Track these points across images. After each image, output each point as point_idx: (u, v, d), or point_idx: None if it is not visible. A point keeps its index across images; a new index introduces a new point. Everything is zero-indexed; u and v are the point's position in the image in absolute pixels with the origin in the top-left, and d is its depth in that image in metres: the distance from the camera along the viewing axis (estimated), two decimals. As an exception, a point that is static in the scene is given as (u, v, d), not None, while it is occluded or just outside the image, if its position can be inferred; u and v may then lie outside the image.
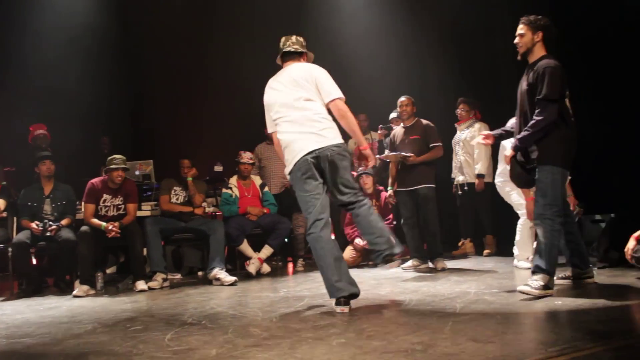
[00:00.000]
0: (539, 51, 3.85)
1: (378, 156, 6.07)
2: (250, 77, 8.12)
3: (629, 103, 6.06)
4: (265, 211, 6.31)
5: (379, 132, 6.98)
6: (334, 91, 3.87)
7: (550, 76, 3.68)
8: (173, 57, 8.02)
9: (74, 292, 5.22)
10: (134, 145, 7.35)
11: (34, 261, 5.94)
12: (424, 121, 5.72)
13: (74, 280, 5.72)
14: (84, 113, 7.73)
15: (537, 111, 3.72)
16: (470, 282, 4.47)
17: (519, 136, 3.83)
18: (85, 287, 5.27)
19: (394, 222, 6.28)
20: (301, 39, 4.12)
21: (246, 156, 6.49)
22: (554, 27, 3.87)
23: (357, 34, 8.03)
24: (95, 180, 5.76)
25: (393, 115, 6.70)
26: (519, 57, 3.93)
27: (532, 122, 3.72)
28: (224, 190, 6.37)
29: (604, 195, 6.38)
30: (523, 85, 3.90)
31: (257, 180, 6.59)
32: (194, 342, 2.95)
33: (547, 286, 3.62)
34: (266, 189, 6.59)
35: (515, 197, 5.33)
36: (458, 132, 6.66)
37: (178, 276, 6.32)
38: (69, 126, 7.44)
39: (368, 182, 6.40)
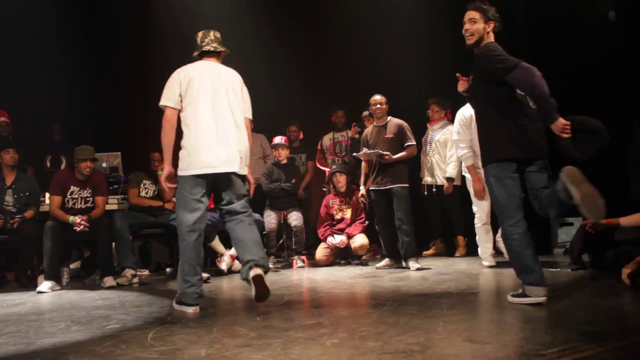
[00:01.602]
0: (486, 41, 3.51)
1: (355, 154, 6.04)
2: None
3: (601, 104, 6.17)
4: (238, 207, 6.19)
5: (352, 129, 6.95)
6: (249, 109, 4.04)
7: (491, 50, 3.41)
8: (143, 43, 7.83)
9: (39, 288, 5.00)
10: (101, 136, 7.07)
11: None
12: (398, 120, 5.70)
13: (37, 275, 5.50)
14: (41, 100, 7.42)
15: (520, 83, 3.28)
16: (449, 283, 4.47)
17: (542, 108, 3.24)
18: (50, 283, 5.06)
19: (367, 222, 6.25)
20: (219, 35, 4.02)
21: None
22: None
23: (336, 28, 7.98)
24: (62, 171, 5.55)
25: (366, 113, 6.67)
26: (467, 47, 3.55)
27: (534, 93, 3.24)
28: None
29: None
30: (471, 82, 3.61)
31: (228, 176, 6.46)
32: (180, 342, 2.83)
33: (525, 294, 3.39)
34: (238, 184, 6.47)
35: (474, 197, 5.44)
36: (430, 132, 6.61)
37: (146, 272, 6.14)
38: (25, 114, 7.14)
39: (341, 181, 6.36)
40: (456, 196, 6.46)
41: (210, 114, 3.71)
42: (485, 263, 5.35)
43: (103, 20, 8.00)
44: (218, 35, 3.99)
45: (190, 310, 3.60)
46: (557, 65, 6.07)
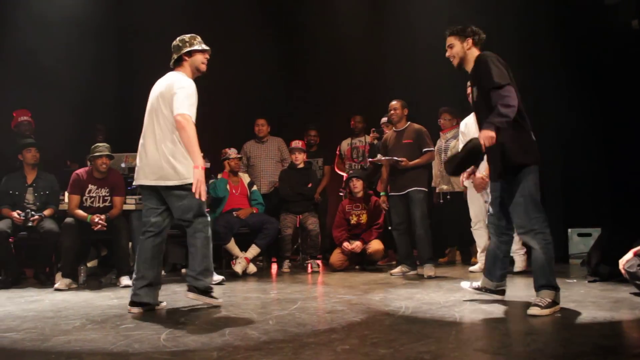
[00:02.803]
0: (472, 57, 3.70)
1: (370, 159, 6.04)
2: (238, 74, 8.05)
3: (621, 116, 6.12)
4: (254, 211, 6.22)
5: (371, 135, 6.95)
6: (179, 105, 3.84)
7: (487, 64, 3.49)
8: (167, 50, 7.89)
9: (56, 285, 5.07)
10: (123, 137, 7.16)
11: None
12: (417, 125, 5.68)
13: (54, 273, 5.57)
14: (73, 101, 7.53)
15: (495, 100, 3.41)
16: (463, 291, 4.40)
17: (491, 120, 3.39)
18: (67, 281, 5.12)
19: (382, 228, 6.24)
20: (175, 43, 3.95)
21: (233, 152, 6.41)
22: (481, 31, 3.74)
23: (353, 36, 7.97)
24: (80, 171, 5.61)
25: (385, 119, 6.66)
26: (456, 67, 3.81)
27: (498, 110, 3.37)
28: (210, 181, 6.29)
29: (591, 209, 6.44)
30: (474, 96, 3.73)
31: (245, 178, 6.51)
32: (192, 343, 2.85)
33: (555, 302, 3.43)
34: (254, 187, 6.51)
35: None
36: (443, 140, 6.58)
37: (162, 273, 6.18)
38: (56, 113, 7.23)
39: (358, 186, 6.35)
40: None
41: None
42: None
43: (131, 21, 8.06)
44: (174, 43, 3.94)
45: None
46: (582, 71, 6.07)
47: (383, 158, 5.61)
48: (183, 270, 6.36)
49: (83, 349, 2.82)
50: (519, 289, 4.52)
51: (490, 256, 3.91)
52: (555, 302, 3.43)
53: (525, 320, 3.29)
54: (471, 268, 5.74)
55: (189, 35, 3.92)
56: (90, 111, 7.73)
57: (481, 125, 3.56)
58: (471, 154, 3.48)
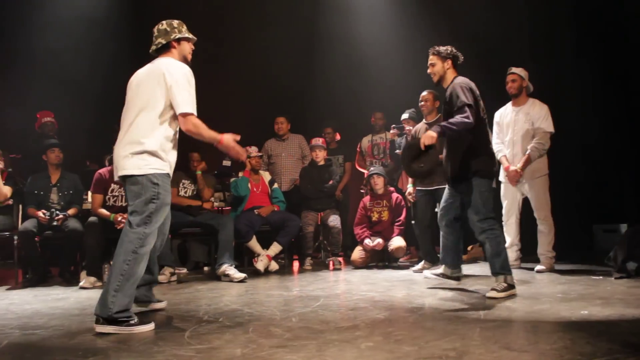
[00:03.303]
0: (450, 76, 4.19)
1: (398, 151, 6.00)
2: (259, 73, 8.08)
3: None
4: (275, 208, 6.24)
5: (392, 131, 6.91)
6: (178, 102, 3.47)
7: (457, 90, 3.99)
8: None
9: (81, 284, 5.13)
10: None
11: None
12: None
13: (79, 271, 5.64)
14: (92, 101, 7.62)
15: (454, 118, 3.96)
16: (486, 288, 4.39)
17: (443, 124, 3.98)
18: (92, 279, 5.18)
19: (403, 225, 6.21)
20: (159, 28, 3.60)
21: (254, 150, 6.42)
22: (460, 54, 4.23)
23: (373, 32, 7.94)
24: (102, 170, 5.67)
25: (405, 116, 6.61)
26: (435, 84, 4.31)
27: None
28: (232, 179, 6.31)
29: (616, 204, 6.35)
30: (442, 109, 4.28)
31: (266, 176, 6.52)
32: (216, 341, 2.87)
33: (510, 285, 3.99)
34: (275, 185, 6.53)
35: None
36: None
37: (184, 271, 6.24)
38: (77, 114, 7.33)
39: (379, 183, 6.32)
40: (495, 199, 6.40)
41: None
42: None
43: (150, 19, 8.11)
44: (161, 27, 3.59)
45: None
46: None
47: None
48: (205, 268, 6.41)
49: (109, 346, 2.85)
50: (543, 287, 4.48)
51: (443, 246, 4.52)
52: (511, 286, 3.99)
53: (550, 317, 3.26)
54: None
55: (177, 21, 3.61)
56: (109, 111, 7.78)
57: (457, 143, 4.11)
58: (409, 149, 4.18)
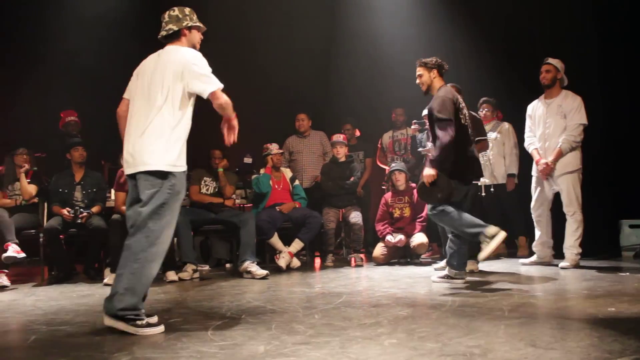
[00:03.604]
0: (437, 85, 4.49)
1: (420, 149, 5.96)
2: (279, 70, 8.07)
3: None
4: (297, 205, 6.24)
5: (413, 127, 6.85)
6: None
7: (439, 102, 4.31)
8: (205, 46, 7.97)
9: (105, 281, 5.18)
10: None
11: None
12: (470, 114, 5.54)
13: (103, 268, 5.70)
14: (115, 99, 7.69)
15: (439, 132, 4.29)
16: (510, 285, 4.37)
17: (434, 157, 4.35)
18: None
19: (425, 221, 6.16)
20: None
21: (275, 147, 6.43)
22: (445, 63, 4.55)
23: (393, 28, 7.90)
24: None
25: (426, 112, 6.54)
26: (424, 93, 4.63)
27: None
28: (253, 177, 6.32)
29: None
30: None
31: (287, 173, 6.52)
32: (239, 337, 2.87)
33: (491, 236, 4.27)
34: (297, 182, 6.53)
35: None
36: None
37: (206, 268, 6.28)
38: (98, 112, 7.41)
39: (401, 179, 6.28)
40: (516, 194, 6.34)
41: None
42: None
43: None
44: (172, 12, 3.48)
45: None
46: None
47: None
48: (227, 265, 6.44)
49: (133, 342, 2.87)
50: (568, 283, 4.42)
51: (448, 248, 4.59)
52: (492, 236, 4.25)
53: (577, 314, 3.21)
54: (522, 260, 5.62)
55: (188, 9, 3.50)
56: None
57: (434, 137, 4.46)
58: (422, 191, 4.40)
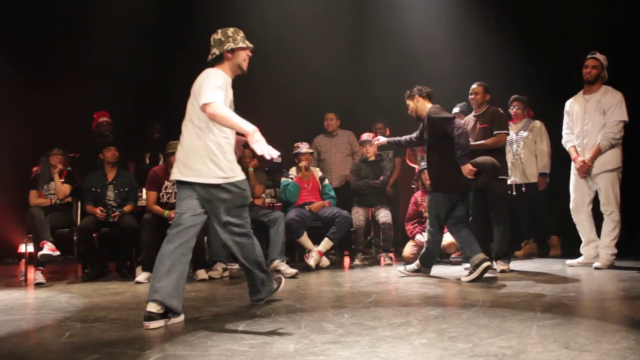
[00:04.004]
0: (423, 107, 5.03)
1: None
2: (308, 69, 8.08)
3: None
4: (326, 204, 6.24)
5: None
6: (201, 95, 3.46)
7: (433, 114, 4.92)
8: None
9: (137, 279, 5.26)
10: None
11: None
12: (493, 108, 5.39)
13: (134, 266, 5.78)
14: (142, 98, 7.83)
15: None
16: (542, 285, 4.30)
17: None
18: (147, 274, 5.28)
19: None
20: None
21: (304, 146, 6.44)
22: (425, 87, 5.06)
23: (423, 26, 7.85)
24: (156, 168, 5.80)
25: (456, 110, 6.48)
26: (416, 119, 5.16)
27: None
28: (282, 178, 6.33)
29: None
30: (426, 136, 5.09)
31: (316, 173, 6.53)
32: (269, 336, 2.89)
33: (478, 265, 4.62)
34: (326, 181, 6.53)
35: None
36: (513, 131, 6.35)
37: (236, 266, 6.30)
38: (125, 111, 7.54)
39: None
40: (548, 194, 6.24)
41: None
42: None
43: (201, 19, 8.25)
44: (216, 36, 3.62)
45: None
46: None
47: None
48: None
49: (165, 339, 2.90)
50: (603, 284, 4.34)
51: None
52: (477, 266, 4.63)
53: (613, 315, 3.15)
54: (569, 262, 5.46)
55: (232, 29, 3.59)
56: (152, 109, 7.97)
57: (432, 160, 5.06)
58: (473, 182, 4.83)
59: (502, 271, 5.10)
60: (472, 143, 5.17)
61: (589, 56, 5.29)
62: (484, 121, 5.33)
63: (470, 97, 5.51)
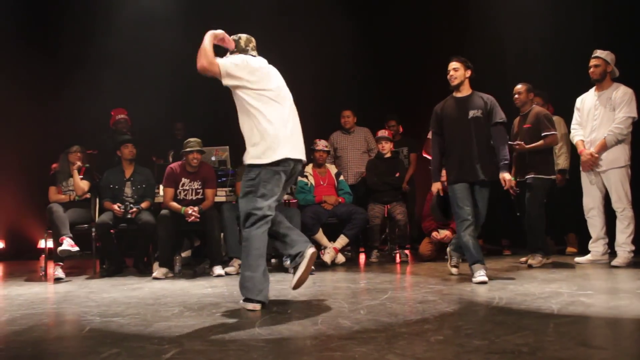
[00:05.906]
0: (467, 84, 4.72)
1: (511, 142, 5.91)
2: (326, 65, 8.08)
3: None
4: (341, 200, 6.25)
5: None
6: None
7: (494, 103, 4.64)
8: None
9: (154, 274, 5.31)
10: (211, 131, 7.41)
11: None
12: (538, 108, 5.50)
13: (152, 262, 5.84)
14: (162, 97, 7.88)
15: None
16: (559, 282, 4.28)
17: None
18: (164, 270, 5.35)
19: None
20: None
21: (321, 144, 6.45)
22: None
23: (440, 25, 7.83)
24: (174, 165, 5.84)
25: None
26: (452, 86, 4.76)
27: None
28: (299, 178, 6.34)
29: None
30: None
31: (332, 169, 6.54)
32: (286, 332, 2.91)
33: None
34: (342, 178, 6.54)
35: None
36: None
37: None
38: (146, 110, 7.58)
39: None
40: (566, 191, 6.20)
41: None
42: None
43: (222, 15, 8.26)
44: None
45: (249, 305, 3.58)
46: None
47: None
48: (272, 260, 6.50)
49: (182, 335, 2.93)
50: (621, 282, 4.31)
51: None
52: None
53: (631, 313, 3.12)
54: (578, 259, 5.50)
55: (245, 37, 3.96)
56: (174, 107, 8.02)
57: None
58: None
59: (530, 266, 5.12)
60: (527, 146, 5.30)
61: (591, 56, 5.31)
62: (527, 121, 5.38)
63: (514, 97, 5.53)
